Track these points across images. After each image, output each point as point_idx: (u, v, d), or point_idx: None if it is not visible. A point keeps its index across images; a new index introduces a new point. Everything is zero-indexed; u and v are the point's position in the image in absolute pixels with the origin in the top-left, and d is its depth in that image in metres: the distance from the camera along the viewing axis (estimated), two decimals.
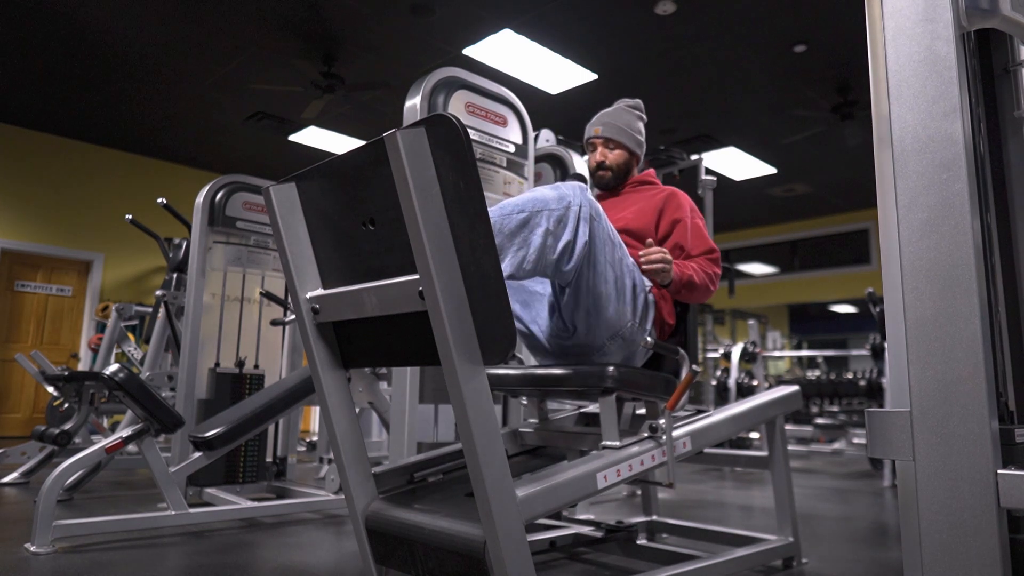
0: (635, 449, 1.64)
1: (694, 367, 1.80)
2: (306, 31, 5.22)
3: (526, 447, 2.04)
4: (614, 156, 2.16)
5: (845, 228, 9.82)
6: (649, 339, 1.74)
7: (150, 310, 5.38)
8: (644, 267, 1.81)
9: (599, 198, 2.23)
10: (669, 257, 1.83)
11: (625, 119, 2.17)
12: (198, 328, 3.58)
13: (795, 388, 2.17)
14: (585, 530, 2.36)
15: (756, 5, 4.78)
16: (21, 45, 5.53)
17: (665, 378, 1.83)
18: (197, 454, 2.79)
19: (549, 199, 1.56)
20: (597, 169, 2.17)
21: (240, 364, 3.63)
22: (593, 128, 2.19)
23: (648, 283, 1.85)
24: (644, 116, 2.24)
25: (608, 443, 1.65)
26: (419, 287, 1.18)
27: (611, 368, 1.67)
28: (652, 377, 1.79)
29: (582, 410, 2.20)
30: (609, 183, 2.18)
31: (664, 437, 1.69)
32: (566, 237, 1.55)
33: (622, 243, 1.76)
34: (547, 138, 4.08)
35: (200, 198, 3.70)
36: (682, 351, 1.84)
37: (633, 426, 1.91)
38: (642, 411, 1.97)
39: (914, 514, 0.93)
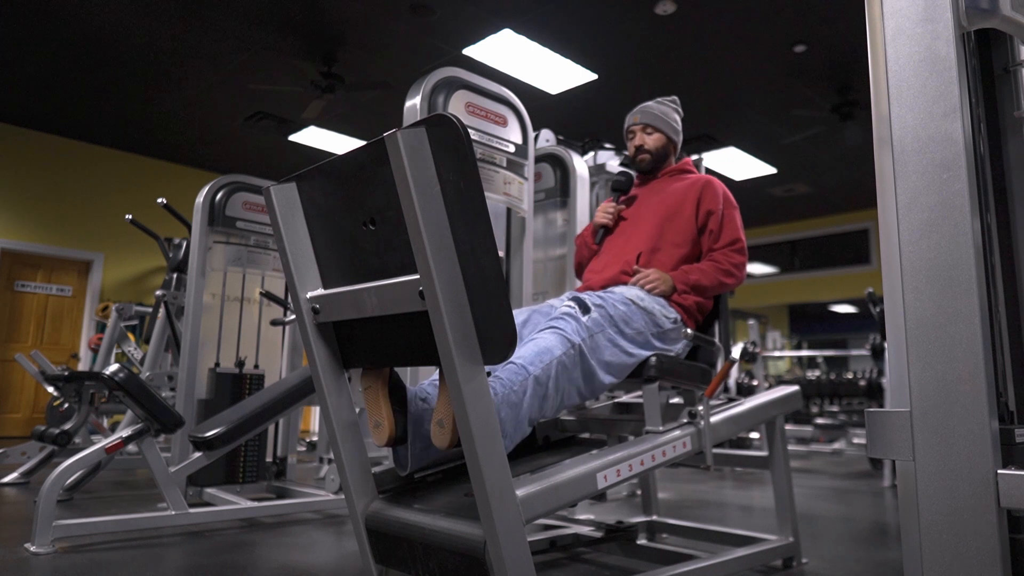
0: (676, 433, 1.74)
1: (731, 356, 1.94)
2: (306, 31, 5.22)
3: (566, 434, 2.12)
4: (652, 140, 2.30)
5: (845, 228, 9.82)
6: (689, 331, 1.92)
7: (150, 310, 5.38)
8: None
9: (638, 183, 2.37)
10: (655, 275, 1.99)
11: (661, 109, 2.33)
12: (198, 328, 3.58)
13: (795, 388, 2.18)
14: (585, 530, 2.37)
15: (756, 5, 4.78)
16: (21, 45, 5.53)
17: (702, 368, 1.96)
18: (197, 454, 2.79)
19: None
20: (637, 153, 2.32)
21: (240, 364, 3.63)
22: (632, 117, 2.34)
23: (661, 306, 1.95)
24: (680, 110, 2.39)
25: (651, 428, 1.75)
26: (419, 287, 1.18)
27: (654, 358, 1.79)
28: (691, 367, 1.92)
29: (615, 400, 2.34)
30: (648, 166, 2.32)
31: (703, 423, 1.79)
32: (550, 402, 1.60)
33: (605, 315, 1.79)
34: (547, 138, 4.08)
35: (200, 198, 3.70)
36: (717, 343, 2.00)
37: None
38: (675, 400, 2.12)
39: (914, 514, 0.92)
